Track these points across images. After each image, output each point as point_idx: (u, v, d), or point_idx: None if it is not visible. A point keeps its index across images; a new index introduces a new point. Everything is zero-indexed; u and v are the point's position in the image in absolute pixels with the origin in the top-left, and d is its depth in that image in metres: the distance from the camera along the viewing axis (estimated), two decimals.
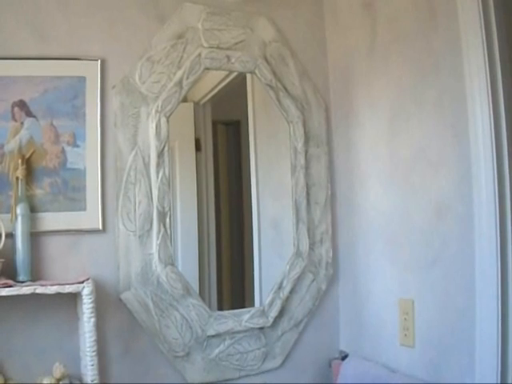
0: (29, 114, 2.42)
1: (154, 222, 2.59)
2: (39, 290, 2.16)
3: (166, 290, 2.60)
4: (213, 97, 2.98)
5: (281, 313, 2.85)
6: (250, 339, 2.79)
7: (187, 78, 2.68)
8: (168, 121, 2.62)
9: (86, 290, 2.22)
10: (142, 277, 2.57)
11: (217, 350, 2.71)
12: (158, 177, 2.59)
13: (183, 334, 2.63)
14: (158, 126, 2.60)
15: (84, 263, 2.49)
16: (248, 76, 2.94)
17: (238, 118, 3.13)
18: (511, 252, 2.19)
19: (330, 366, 2.93)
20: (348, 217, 3.00)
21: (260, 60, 2.85)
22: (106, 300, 2.49)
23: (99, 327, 2.28)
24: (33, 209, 2.38)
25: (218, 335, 2.70)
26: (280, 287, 2.85)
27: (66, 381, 2.29)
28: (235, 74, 2.88)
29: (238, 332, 2.75)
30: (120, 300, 2.53)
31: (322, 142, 3.04)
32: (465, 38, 2.29)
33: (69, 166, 2.48)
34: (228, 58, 2.78)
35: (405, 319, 2.60)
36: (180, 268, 2.66)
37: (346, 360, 2.84)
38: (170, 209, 2.62)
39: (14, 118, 2.40)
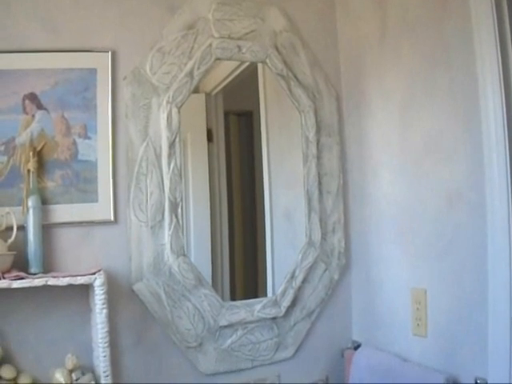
0: (40, 106, 2.43)
1: (166, 212, 2.60)
2: (51, 281, 2.17)
3: (179, 281, 2.60)
4: (224, 87, 2.97)
5: (293, 303, 2.85)
6: (263, 329, 2.79)
7: (198, 68, 2.68)
8: (179, 111, 2.62)
9: (98, 282, 2.23)
10: (154, 267, 2.57)
11: (229, 341, 2.72)
12: (169, 168, 2.60)
13: (195, 324, 2.64)
14: (169, 117, 2.60)
15: (96, 254, 2.50)
16: (259, 66, 2.93)
17: (249, 109, 3.12)
18: None
19: (342, 355, 2.93)
20: (360, 206, 2.99)
21: (271, 50, 2.84)
22: (118, 291, 2.50)
23: (111, 318, 2.30)
24: (44, 201, 2.40)
25: (230, 325, 2.71)
26: (292, 277, 2.85)
27: (79, 372, 2.30)
28: (246, 64, 2.88)
29: (251, 322, 2.76)
30: (132, 291, 2.54)
31: (333, 131, 3.03)
32: (476, 28, 2.27)
33: (80, 157, 2.49)
34: (239, 48, 2.77)
35: (417, 309, 2.59)
36: (192, 258, 2.67)
37: (359, 350, 2.84)
38: (181, 199, 2.63)
39: (25, 111, 2.41)
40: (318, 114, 2.96)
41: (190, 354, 2.63)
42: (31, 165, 2.35)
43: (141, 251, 2.56)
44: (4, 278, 2.12)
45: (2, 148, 2.37)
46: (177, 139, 2.61)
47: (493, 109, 2.22)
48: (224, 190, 2.98)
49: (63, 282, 2.18)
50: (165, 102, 2.61)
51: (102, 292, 2.22)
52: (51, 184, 2.44)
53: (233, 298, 2.85)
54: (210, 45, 2.71)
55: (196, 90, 2.75)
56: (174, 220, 2.60)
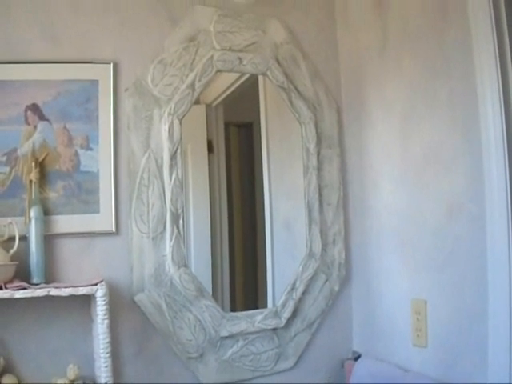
0: (42, 117, 2.44)
1: (167, 223, 2.60)
2: (53, 292, 2.17)
3: (180, 292, 2.61)
4: (225, 99, 2.99)
5: (294, 314, 2.85)
6: (263, 340, 2.79)
7: (199, 80, 2.69)
8: (181, 123, 2.63)
9: (100, 292, 2.23)
10: (155, 278, 2.58)
11: (230, 351, 2.72)
12: (170, 179, 2.60)
13: (196, 335, 2.64)
14: (170, 129, 2.61)
15: (97, 265, 2.50)
16: (260, 78, 2.94)
17: (250, 120, 3.13)
18: None
19: (342, 366, 2.93)
20: (360, 218, 3.00)
21: (272, 62, 2.85)
22: (120, 302, 2.50)
23: (113, 329, 2.30)
24: (46, 212, 2.40)
25: (231, 336, 2.71)
26: (293, 288, 2.85)
27: (80, 382, 2.30)
28: (247, 75, 2.89)
29: (251, 333, 2.76)
30: (133, 302, 2.54)
31: (334, 143, 3.04)
32: (476, 39, 2.29)
33: (82, 168, 2.50)
34: (240, 60, 2.79)
35: (417, 319, 2.59)
36: (193, 269, 2.67)
37: (359, 360, 2.84)
38: (183, 210, 2.63)
39: (27, 122, 2.42)
40: (318, 126, 2.97)
41: (191, 365, 2.63)
42: (33, 175, 2.36)
43: (142, 262, 2.56)
44: (6, 288, 2.13)
45: (4, 159, 2.38)
46: (178, 150, 2.62)
47: (492, 120, 2.23)
48: (224, 200, 2.99)
49: (65, 292, 2.19)
50: (166, 114, 2.61)
51: (103, 303, 2.22)
52: (53, 195, 2.44)
53: (233, 309, 2.85)
54: (212, 57, 2.72)
55: (197, 102, 2.75)
56: (176, 231, 2.60)
